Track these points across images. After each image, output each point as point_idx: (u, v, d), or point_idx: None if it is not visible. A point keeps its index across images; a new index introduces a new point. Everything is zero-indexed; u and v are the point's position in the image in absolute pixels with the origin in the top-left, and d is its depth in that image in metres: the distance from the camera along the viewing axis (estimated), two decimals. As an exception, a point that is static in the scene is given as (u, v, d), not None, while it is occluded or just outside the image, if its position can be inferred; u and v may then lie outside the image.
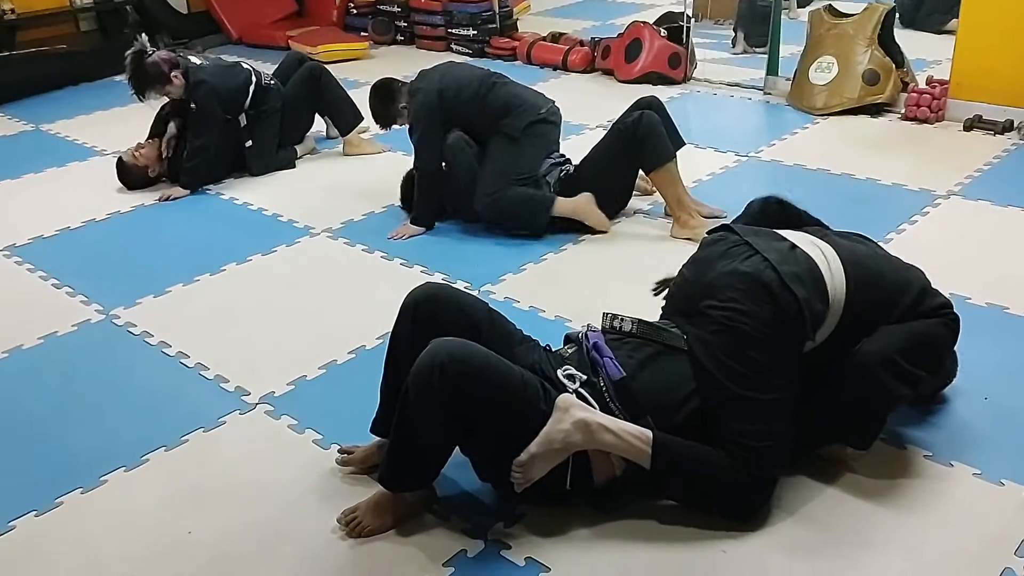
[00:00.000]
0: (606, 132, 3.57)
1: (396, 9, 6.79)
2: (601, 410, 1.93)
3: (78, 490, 2.21)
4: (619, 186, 3.57)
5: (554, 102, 3.60)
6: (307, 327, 2.94)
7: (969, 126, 4.39)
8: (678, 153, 3.43)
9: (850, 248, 2.11)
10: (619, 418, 1.93)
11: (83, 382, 2.71)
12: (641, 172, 3.53)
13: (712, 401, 1.95)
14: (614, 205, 3.57)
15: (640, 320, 2.09)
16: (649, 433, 1.91)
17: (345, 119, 4.48)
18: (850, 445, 2.12)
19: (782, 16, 5.19)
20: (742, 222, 2.31)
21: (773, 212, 2.36)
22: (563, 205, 3.43)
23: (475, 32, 6.37)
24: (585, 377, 1.98)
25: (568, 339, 2.18)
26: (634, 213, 3.53)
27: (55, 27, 6.37)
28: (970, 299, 2.86)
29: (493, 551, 1.94)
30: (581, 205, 3.43)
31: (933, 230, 3.41)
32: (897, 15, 4.93)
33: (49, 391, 2.67)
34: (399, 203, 3.78)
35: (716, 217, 3.41)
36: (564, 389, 1.95)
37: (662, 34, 5.51)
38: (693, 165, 4.05)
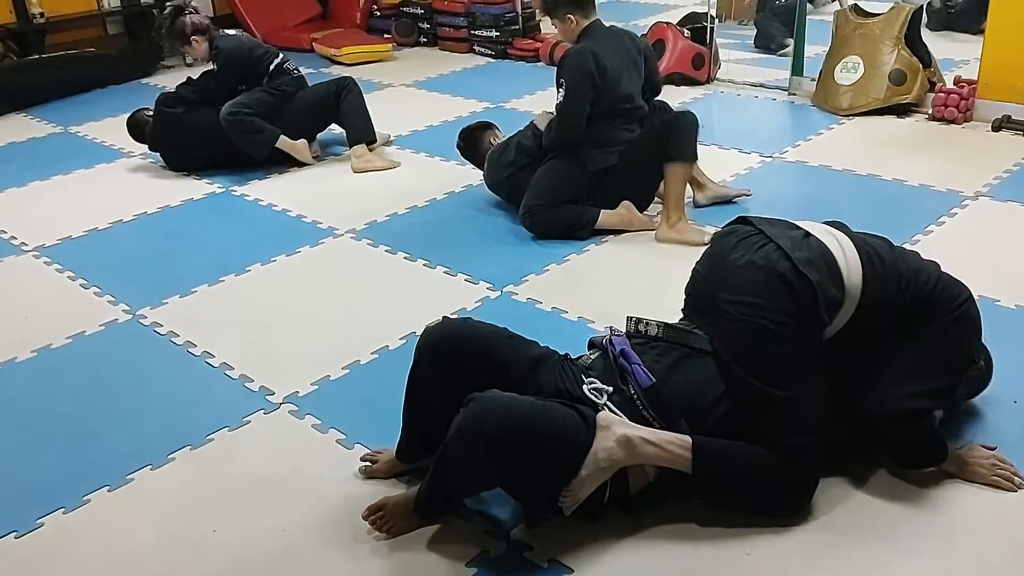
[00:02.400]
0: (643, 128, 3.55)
1: (419, 11, 6.81)
2: (633, 419, 1.91)
3: (105, 488, 2.24)
4: (648, 182, 3.55)
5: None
6: (331, 327, 2.95)
7: (998, 126, 4.34)
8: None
9: (864, 237, 2.09)
10: (654, 426, 1.91)
11: (110, 381, 2.73)
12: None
13: (741, 401, 1.94)
14: (649, 201, 3.60)
15: (666, 324, 2.05)
16: (688, 439, 1.89)
17: (356, 131, 4.40)
18: (902, 467, 2.09)
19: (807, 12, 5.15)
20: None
21: None
22: (608, 219, 3.45)
23: (498, 34, 6.37)
24: (611, 389, 1.96)
25: (592, 344, 2.15)
26: (657, 215, 3.52)
27: (84, 31, 6.46)
28: (999, 301, 2.82)
29: (516, 552, 1.94)
30: (625, 216, 3.46)
31: (961, 232, 3.37)
32: (925, 18, 4.86)
33: (76, 390, 2.70)
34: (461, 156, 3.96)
35: (742, 195, 3.59)
36: (593, 405, 1.92)
37: (686, 35, 5.48)
38: (717, 166, 4.03)
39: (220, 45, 4.31)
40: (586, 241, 3.43)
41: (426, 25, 6.81)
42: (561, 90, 3.39)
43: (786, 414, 1.91)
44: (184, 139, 4.35)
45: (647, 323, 2.07)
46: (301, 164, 4.38)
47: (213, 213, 3.98)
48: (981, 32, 4.58)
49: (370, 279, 3.30)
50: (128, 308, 3.15)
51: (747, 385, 1.91)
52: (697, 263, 2.14)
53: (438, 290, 3.15)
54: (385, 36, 6.83)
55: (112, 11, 6.64)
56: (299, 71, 4.49)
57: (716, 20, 5.55)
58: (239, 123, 4.20)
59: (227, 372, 2.72)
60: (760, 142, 4.39)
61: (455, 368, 1.98)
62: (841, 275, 1.96)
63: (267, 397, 2.58)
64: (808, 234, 2.02)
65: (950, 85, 4.57)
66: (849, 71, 4.71)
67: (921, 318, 2.00)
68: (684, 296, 2.17)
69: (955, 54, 5.34)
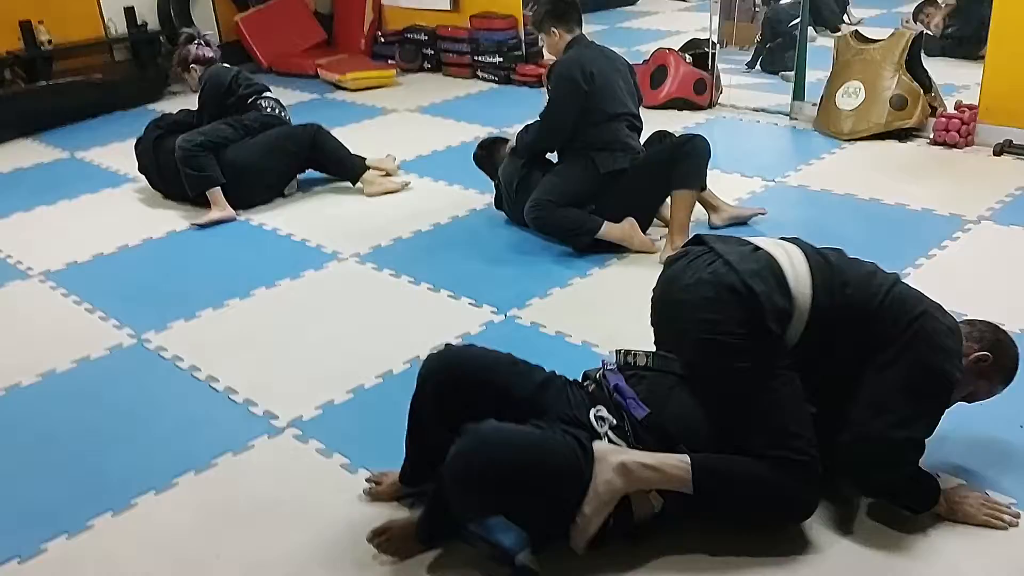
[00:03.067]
0: (649, 149, 3.62)
1: (423, 37, 6.87)
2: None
3: (108, 513, 2.23)
4: (652, 201, 3.60)
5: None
6: (335, 351, 2.95)
7: (999, 151, 4.35)
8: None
9: (817, 249, 2.09)
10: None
11: (114, 405, 2.74)
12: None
13: (722, 420, 1.95)
14: (650, 221, 3.64)
15: (653, 353, 2.09)
16: (686, 457, 1.89)
17: (351, 165, 4.39)
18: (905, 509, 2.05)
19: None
20: None
21: None
22: (610, 231, 3.48)
23: (501, 59, 6.42)
24: (615, 421, 1.96)
25: (586, 377, 2.14)
26: (660, 238, 3.53)
27: (90, 57, 6.51)
28: (1003, 325, 2.81)
29: (520, 577, 1.93)
30: (627, 231, 3.49)
31: (964, 256, 3.38)
32: (925, 46, 4.88)
33: (81, 414, 2.70)
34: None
35: (757, 215, 3.66)
36: (596, 433, 1.93)
37: (687, 60, 5.53)
38: (720, 190, 4.03)
39: (206, 77, 4.37)
40: (589, 265, 3.44)
41: (430, 51, 6.87)
42: (549, 96, 3.51)
43: (765, 427, 1.91)
44: (156, 165, 4.36)
45: (635, 354, 2.09)
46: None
47: (218, 238, 4.00)
48: (980, 58, 4.61)
49: (374, 303, 3.30)
50: (133, 332, 3.15)
51: (721, 402, 1.94)
52: (653, 289, 2.18)
53: (442, 314, 3.16)
54: (389, 62, 6.89)
55: (119, 38, 6.70)
56: (276, 111, 4.43)
57: (718, 46, 5.59)
58: (188, 156, 4.14)
59: (231, 396, 2.72)
60: (762, 167, 4.41)
61: (457, 395, 1.98)
62: (788, 285, 1.97)
63: (271, 421, 2.58)
64: (757, 248, 2.06)
65: (951, 110, 4.60)
66: (850, 96, 4.74)
67: (874, 333, 1.95)
68: (652, 327, 2.19)
69: (956, 79, 5.37)
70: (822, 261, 2.03)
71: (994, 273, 3.22)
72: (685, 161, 3.38)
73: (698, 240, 2.17)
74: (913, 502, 2.01)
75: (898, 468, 1.94)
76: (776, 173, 4.32)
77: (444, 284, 3.36)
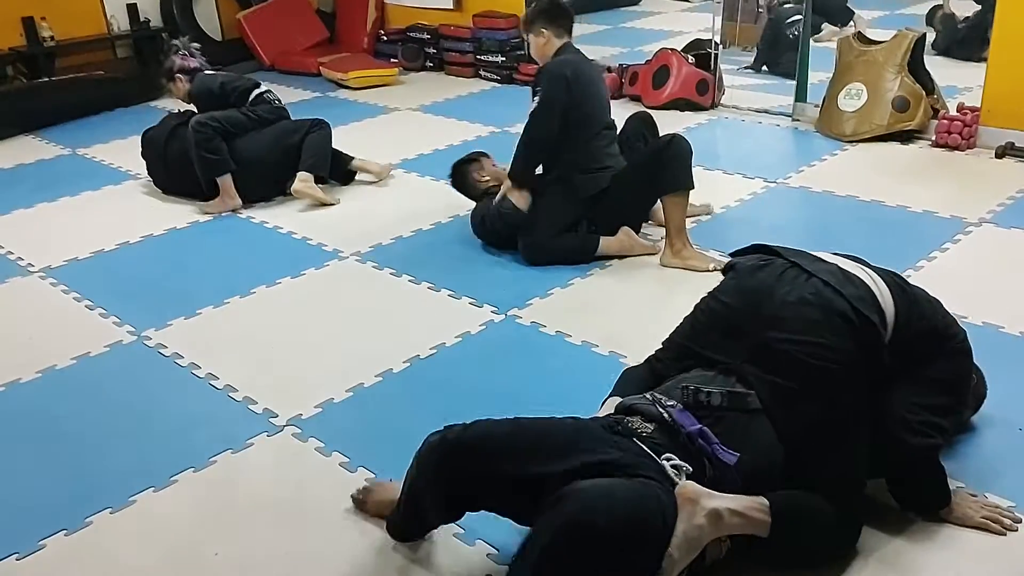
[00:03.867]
0: (635, 154, 3.60)
1: (425, 36, 6.87)
2: None
3: (107, 510, 2.23)
4: (642, 206, 3.61)
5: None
6: (335, 350, 2.95)
7: (1001, 153, 4.35)
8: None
9: (883, 272, 2.04)
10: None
11: (114, 403, 2.74)
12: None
13: (799, 452, 1.86)
14: (641, 224, 3.64)
15: (729, 391, 1.90)
16: (765, 500, 1.79)
17: (311, 159, 4.32)
18: (912, 512, 2.05)
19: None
20: None
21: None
22: (608, 245, 3.47)
23: (503, 59, 6.42)
24: (691, 469, 1.79)
25: (638, 412, 1.91)
26: (660, 239, 3.53)
27: (93, 54, 6.51)
28: (1003, 328, 2.82)
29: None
30: (625, 242, 3.49)
31: (965, 258, 3.37)
32: (930, 42, 4.89)
33: (80, 411, 2.70)
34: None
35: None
36: (671, 482, 1.76)
37: (690, 61, 5.52)
38: (721, 191, 4.05)
39: (195, 91, 4.41)
40: (590, 265, 3.44)
41: (432, 50, 6.86)
42: (536, 98, 3.45)
43: (841, 467, 1.86)
44: (163, 155, 4.37)
45: (709, 392, 1.89)
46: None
47: (219, 235, 4.00)
48: (982, 60, 4.61)
49: (374, 302, 3.30)
50: (133, 330, 3.15)
51: (803, 435, 1.84)
52: (719, 295, 2.03)
53: (442, 313, 3.16)
54: (392, 61, 6.89)
55: (121, 35, 6.70)
56: (280, 102, 4.48)
57: (720, 46, 5.59)
58: (203, 137, 4.14)
59: (231, 394, 2.72)
60: (764, 168, 4.41)
61: (461, 492, 1.81)
62: (884, 312, 1.90)
63: (270, 419, 2.58)
64: (841, 268, 1.96)
65: (953, 112, 4.59)
66: (852, 98, 4.73)
67: (933, 348, 1.97)
68: (697, 329, 2.06)
69: (958, 81, 5.36)
70: (895, 284, 1.98)
71: (995, 276, 3.22)
72: (670, 165, 3.33)
73: (767, 249, 2.06)
74: (933, 496, 2.00)
75: (934, 454, 1.95)
76: (778, 174, 4.32)
77: (444, 283, 3.36)
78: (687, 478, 1.77)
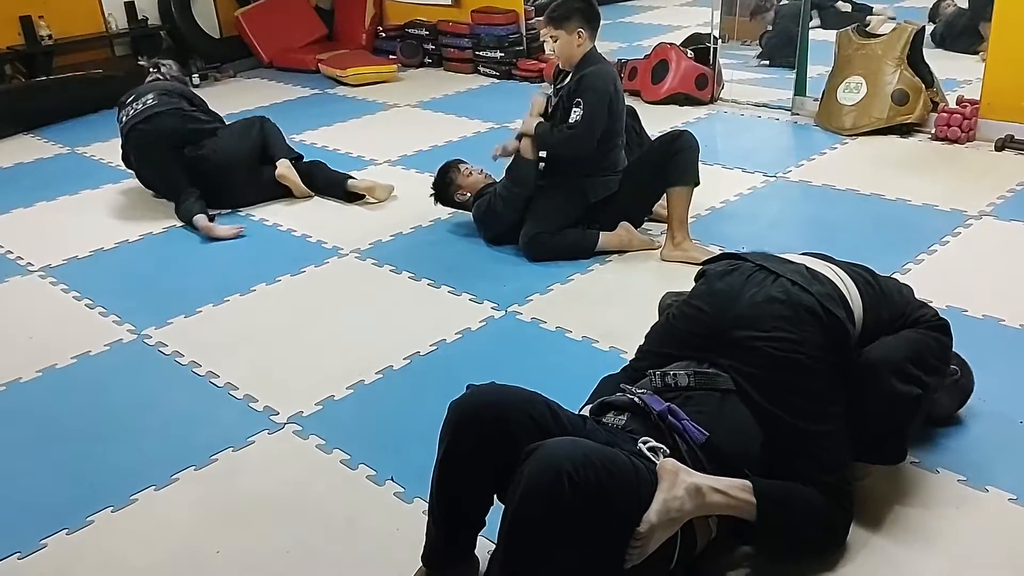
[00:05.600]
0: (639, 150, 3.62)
1: (424, 32, 6.86)
2: None
3: (108, 508, 2.23)
4: (646, 202, 3.60)
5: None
6: (335, 347, 2.95)
7: (1001, 146, 4.34)
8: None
9: (851, 265, 2.11)
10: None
11: (114, 401, 2.74)
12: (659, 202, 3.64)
13: (777, 441, 1.89)
14: (644, 216, 3.65)
15: (694, 371, 1.96)
16: (748, 484, 1.80)
17: (284, 147, 4.34)
18: (880, 463, 2.09)
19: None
20: None
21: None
22: (608, 240, 3.47)
23: (502, 55, 6.41)
24: (668, 450, 1.81)
25: (612, 406, 1.96)
26: (660, 234, 3.53)
27: (91, 52, 6.51)
28: (1003, 321, 2.82)
29: None
30: (624, 238, 3.48)
31: (965, 251, 3.37)
32: (928, 35, 4.89)
33: (81, 410, 2.70)
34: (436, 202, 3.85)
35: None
36: (651, 464, 1.76)
37: (689, 55, 5.52)
38: (721, 186, 4.04)
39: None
40: (590, 261, 3.43)
41: (431, 46, 6.86)
42: (578, 109, 3.38)
43: (821, 450, 1.88)
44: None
45: (675, 374, 1.96)
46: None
47: (218, 233, 3.99)
48: (977, 52, 4.60)
49: (374, 299, 3.30)
50: (133, 328, 3.15)
51: (783, 424, 1.87)
52: (691, 300, 2.09)
53: (443, 310, 3.16)
54: (390, 57, 6.88)
55: (119, 33, 6.69)
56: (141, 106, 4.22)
57: (719, 41, 5.58)
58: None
59: (231, 392, 2.72)
60: (764, 162, 4.40)
61: (506, 440, 1.73)
62: (852, 311, 1.96)
63: (271, 417, 2.58)
64: (809, 267, 2.02)
65: (952, 105, 4.59)
66: (852, 91, 4.72)
67: (902, 327, 2.05)
68: (671, 334, 2.10)
69: (957, 74, 5.36)
70: (863, 280, 2.04)
71: (995, 268, 3.22)
72: (678, 157, 3.35)
73: (736, 256, 2.12)
74: (901, 450, 2.06)
75: (904, 401, 1.97)
76: (777, 168, 4.31)
77: (444, 280, 3.36)
78: (665, 458, 1.77)
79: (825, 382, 1.90)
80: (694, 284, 2.17)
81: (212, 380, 2.79)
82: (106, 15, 6.60)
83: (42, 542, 2.14)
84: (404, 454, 2.37)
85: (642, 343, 2.20)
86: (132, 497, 2.27)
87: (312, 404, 2.62)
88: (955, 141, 4.47)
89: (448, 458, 1.78)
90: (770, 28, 6.44)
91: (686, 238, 3.38)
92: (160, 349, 3.01)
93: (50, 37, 6.27)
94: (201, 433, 2.52)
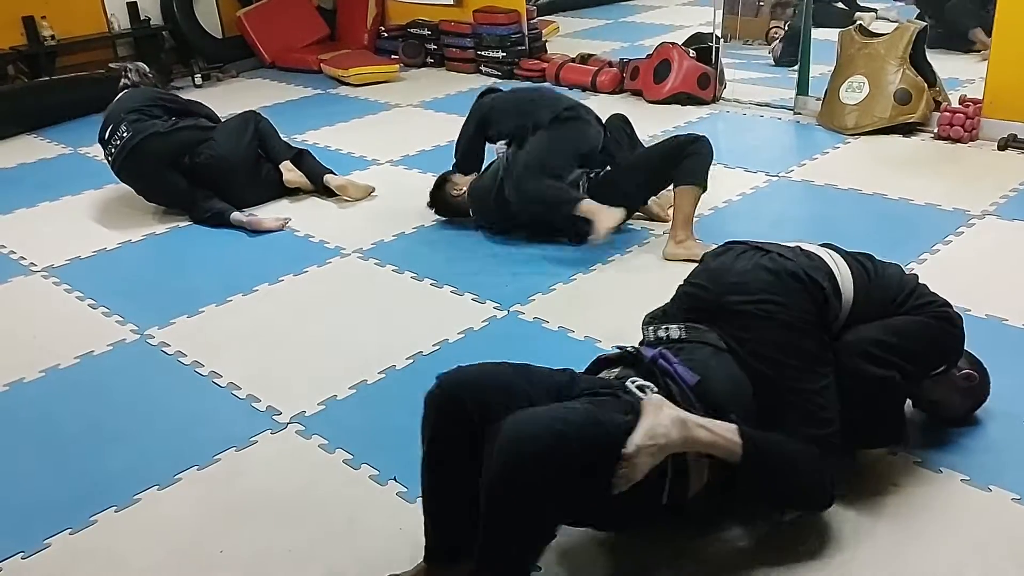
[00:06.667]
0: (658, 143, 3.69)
1: (426, 32, 6.86)
2: None
3: (112, 508, 2.24)
4: (645, 190, 3.64)
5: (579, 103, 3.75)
6: (338, 347, 2.95)
7: (1003, 145, 4.34)
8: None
9: (848, 253, 2.16)
10: None
11: (117, 401, 2.74)
12: (659, 203, 3.68)
13: (767, 397, 1.93)
14: (632, 212, 3.69)
15: (687, 325, 2.04)
16: (735, 427, 1.82)
17: (283, 149, 4.34)
18: (874, 446, 2.14)
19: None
20: None
21: None
22: (587, 205, 3.43)
23: (504, 54, 6.41)
24: (656, 388, 1.84)
25: (608, 361, 2.03)
26: (663, 233, 3.53)
27: (94, 52, 6.51)
28: (1007, 320, 2.82)
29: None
30: (593, 206, 3.41)
31: (968, 250, 3.37)
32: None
33: (84, 410, 2.70)
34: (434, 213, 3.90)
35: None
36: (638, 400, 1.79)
37: (691, 55, 5.51)
38: (723, 185, 4.04)
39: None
40: (592, 260, 3.43)
41: (433, 46, 6.86)
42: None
43: (809, 407, 1.92)
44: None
45: (667, 327, 2.05)
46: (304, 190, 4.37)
47: (220, 233, 3.99)
48: (972, 51, 4.60)
49: (377, 299, 3.30)
50: (136, 328, 3.16)
51: (772, 381, 1.92)
52: (692, 279, 2.15)
53: (445, 310, 3.16)
54: (392, 57, 6.88)
55: (122, 33, 6.70)
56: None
57: (721, 40, 5.58)
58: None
59: (234, 392, 2.73)
60: (766, 161, 4.40)
61: (487, 419, 1.74)
62: (839, 286, 2.03)
63: (274, 417, 2.58)
64: (802, 248, 2.10)
65: (955, 104, 4.58)
66: (854, 91, 4.72)
67: (893, 312, 2.09)
68: (669, 313, 2.14)
69: (960, 73, 5.35)
70: (860, 265, 2.10)
71: (998, 268, 3.21)
72: (693, 158, 3.39)
73: (735, 242, 2.18)
74: (895, 434, 2.11)
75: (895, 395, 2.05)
76: (780, 168, 4.31)
77: (447, 279, 3.36)
78: (648, 389, 1.83)
79: (813, 342, 1.95)
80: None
81: (215, 380, 2.80)
82: (109, 15, 6.61)
83: (45, 542, 2.14)
84: (406, 454, 2.35)
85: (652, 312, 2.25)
86: (135, 497, 2.27)
87: (315, 404, 2.62)
88: (958, 140, 4.46)
89: (432, 450, 1.84)
90: (785, 29, 6.42)
91: (689, 236, 3.38)
92: (163, 349, 3.01)
93: (53, 37, 6.28)
94: (204, 433, 2.52)
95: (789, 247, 2.10)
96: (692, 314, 2.09)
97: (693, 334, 2.02)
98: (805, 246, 2.12)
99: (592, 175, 3.60)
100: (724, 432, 1.81)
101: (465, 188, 3.76)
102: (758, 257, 2.06)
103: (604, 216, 3.38)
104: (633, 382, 1.86)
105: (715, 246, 3.28)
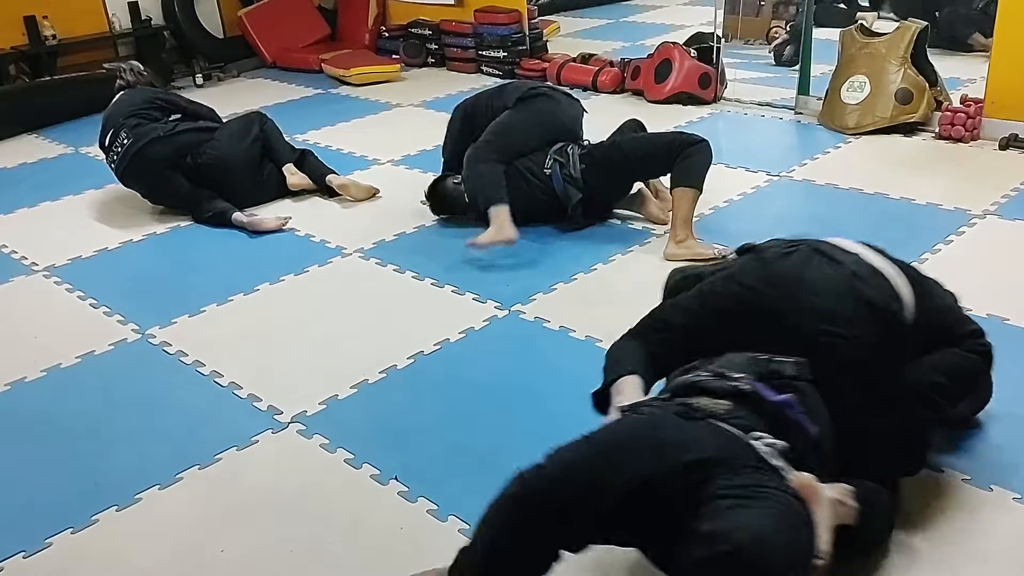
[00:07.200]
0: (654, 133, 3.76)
1: (427, 32, 6.86)
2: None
3: (113, 508, 2.24)
4: (632, 177, 3.69)
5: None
6: (339, 346, 2.95)
7: (1005, 145, 4.34)
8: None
9: (897, 261, 2.03)
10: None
11: (118, 401, 2.74)
12: (660, 205, 3.71)
13: (852, 429, 1.83)
14: (616, 201, 3.77)
15: (796, 361, 1.81)
16: (849, 487, 1.71)
17: (286, 152, 4.33)
18: (895, 475, 2.03)
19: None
20: None
21: None
22: (494, 210, 3.46)
23: (505, 54, 6.41)
24: (787, 445, 1.63)
25: (702, 389, 1.75)
26: (663, 233, 3.53)
27: (95, 52, 6.50)
28: (1008, 320, 2.82)
29: None
30: (502, 224, 3.43)
31: (969, 250, 3.36)
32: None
33: (85, 409, 2.71)
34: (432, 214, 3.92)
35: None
36: (767, 465, 1.59)
37: (692, 54, 5.51)
38: (724, 185, 4.04)
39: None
40: (593, 260, 3.43)
41: (434, 46, 6.85)
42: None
43: (892, 436, 1.88)
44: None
45: (781, 361, 1.80)
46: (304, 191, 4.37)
47: (222, 233, 3.99)
48: (969, 50, 4.59)
49: (378, 299, 3.30)
50: (137, 328, 3.16)
51: (850, 417, 1.81)
52: (741, 279, 1.95)
53: (446, 309, 3.16)
54: (393, 57, 6.88)
55: (123, 33, 6.70)
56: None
57: (723, 40, 5.58)
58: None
59: (235, 391, 2.73)
60: (767, 161, 4.40)
61: (569, 533, 1.56)
62: (904, 305, 1.91)
63: (275, 416, 2.58)
64: (867, 262, 1.94)
65: (956, 104, 4.58)
66: (855, 90, 4.72)
67: (943, 341, 2.02)
68: (711, 312, 1.96)
69: (961, 73, 5.35)
70: (914, 279, 1.99)
71: (999, 268, 3.21)
72: (692, 159, 3.39)
73: (787, 241, 2.02)
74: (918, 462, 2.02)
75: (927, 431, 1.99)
76: (781, 167, 4.31)
77: (448, 279, 3.36)
78: (781, 456, 1.61)
79: (890, 376, 1.86)
80: (738, 258, 2.06)
81: (216, 380, 2.80)
82: (110, 15, 6.61)
83: (47, 541, 2.14)
84: (408, 453, 2.37)
85: (662, 312, 2.06)
86: (136, 496, 2.27)
87: (316, 403, 2.63)
88: (959, 140, 4.46)
89: (490, 550, 1.60)
90: (787, 30, 6.41)
91: (689, 235, 3.39)
92: (164, 349, 3.01)
93: (54, 37, 6.28)
94: (205, 432, 2.52)
95: (852, 256, 1.94)
96: (743, 319, 1.91)
97: (803, 371, 1.80)
98: (864, 254, 1.96)
99: (584, 149, 3.64)
100: (849, 500, 1.69)
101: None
102: (831, 273, 1.88)
103: (495, 231, 3.42)
104: (760, 439, 1.62)
105: (717, 246, 3.36)
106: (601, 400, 1.95)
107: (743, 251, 2.07)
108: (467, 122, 3.85)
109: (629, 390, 1.88)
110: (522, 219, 3.51)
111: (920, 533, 1.98)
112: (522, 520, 1.56)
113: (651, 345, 2.01)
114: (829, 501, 1.60)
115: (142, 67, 4.58)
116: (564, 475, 1.55)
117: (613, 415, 1.82)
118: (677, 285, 2.21)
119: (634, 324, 2.11)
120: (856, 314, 1.84)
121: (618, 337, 2.10)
